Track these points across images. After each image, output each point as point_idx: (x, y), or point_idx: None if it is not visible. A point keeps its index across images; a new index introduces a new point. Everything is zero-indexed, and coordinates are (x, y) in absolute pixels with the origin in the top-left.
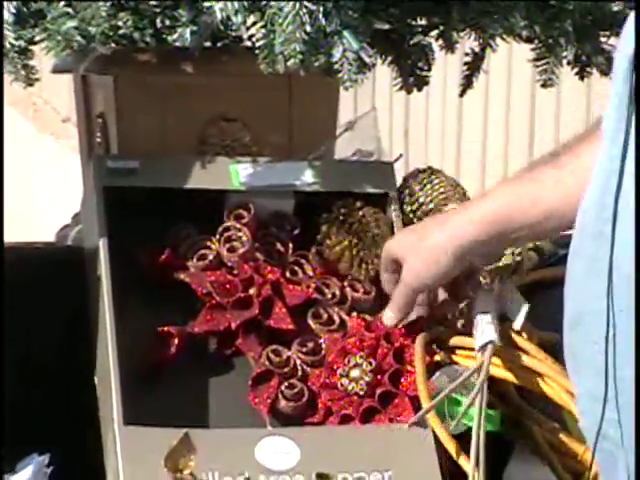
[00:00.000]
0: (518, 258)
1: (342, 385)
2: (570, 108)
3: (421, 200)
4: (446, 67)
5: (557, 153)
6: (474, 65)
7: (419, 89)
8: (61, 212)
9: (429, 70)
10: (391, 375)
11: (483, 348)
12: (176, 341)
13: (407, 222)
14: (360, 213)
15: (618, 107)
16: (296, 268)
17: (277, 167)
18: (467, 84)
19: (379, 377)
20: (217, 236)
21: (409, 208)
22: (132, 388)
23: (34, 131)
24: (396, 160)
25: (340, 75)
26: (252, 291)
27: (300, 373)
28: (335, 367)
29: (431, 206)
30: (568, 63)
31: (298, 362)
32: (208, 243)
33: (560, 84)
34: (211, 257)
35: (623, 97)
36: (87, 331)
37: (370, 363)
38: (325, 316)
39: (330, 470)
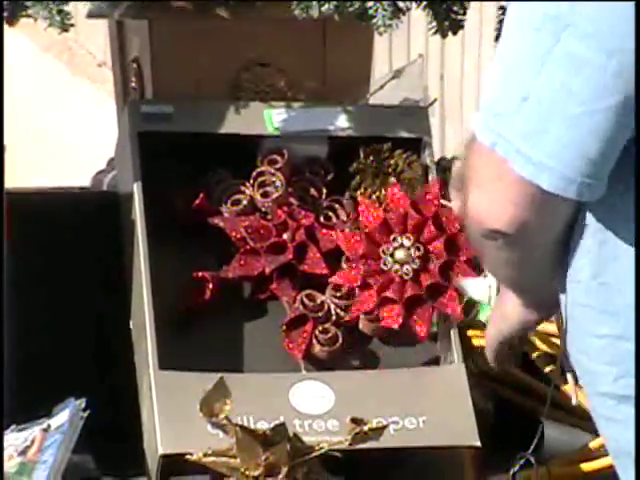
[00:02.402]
0: None
1: (385, 264)
2: None
3: None
4: (482, 10)
5: None
6: None
7: (454, 33)
8: (96, 157)
9: (464, 14)
10: (441, 266)
11: None
12: (210, 286)
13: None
14: (394, 158)
15: None
16: (330, 213)
17: (311, 112)
18: (502, 28)
19: (428, 265)
20: (251, 181)
21: None
22: (167, 333)
23: (69, 75)
24: (430, 104)
25: (374, 20)
26: (286, 236)
27: (334, 318)
28: (377, 242)
29: None
30: None
31: (332, 307)
32: (242, 188)
33: None
34: (245, 202)
35: None
36: (122, 276)
37: (418, 248)
38: None
39: (364, 414)
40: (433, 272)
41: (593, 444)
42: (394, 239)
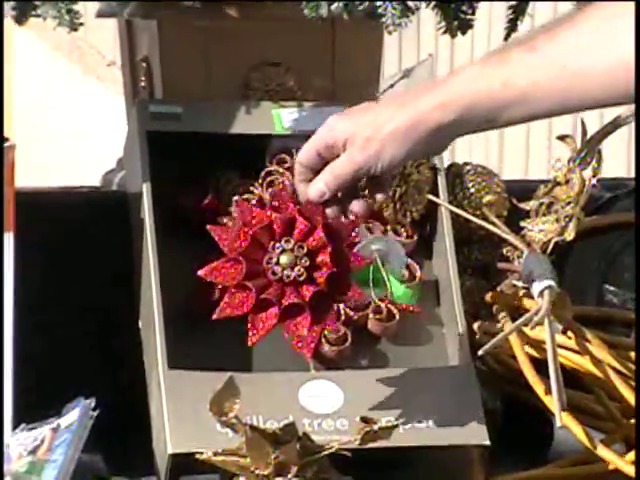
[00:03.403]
0: (563, 223)
1: (275, 274)
2: None
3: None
4: (491, 10)
5: (532, 34)
6: (519, 8)
7: (463, 33)
8: (106, 156)
9: (473, 13)
10: (328, 276)
11: (541, 293)
12: (219, 285)
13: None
14: None
15: None
16: None
17: (321, 112)
18: (512, 28)
19: (313, 274)
20: (260, 180)
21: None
22: (176, 332)
23: (79, 74)
24: None
25: (383, 19)
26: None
27: (343, 317)
28: (261, 243)
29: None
30: None
31: (341, 306)
32: (251, 188)
33: None
34: (253, 202)
35: None
36: (131, 275)
37: (306, 255)
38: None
39: (373, 414)
40: (319, 281)
41: (604, 442)
42: (279, 243)
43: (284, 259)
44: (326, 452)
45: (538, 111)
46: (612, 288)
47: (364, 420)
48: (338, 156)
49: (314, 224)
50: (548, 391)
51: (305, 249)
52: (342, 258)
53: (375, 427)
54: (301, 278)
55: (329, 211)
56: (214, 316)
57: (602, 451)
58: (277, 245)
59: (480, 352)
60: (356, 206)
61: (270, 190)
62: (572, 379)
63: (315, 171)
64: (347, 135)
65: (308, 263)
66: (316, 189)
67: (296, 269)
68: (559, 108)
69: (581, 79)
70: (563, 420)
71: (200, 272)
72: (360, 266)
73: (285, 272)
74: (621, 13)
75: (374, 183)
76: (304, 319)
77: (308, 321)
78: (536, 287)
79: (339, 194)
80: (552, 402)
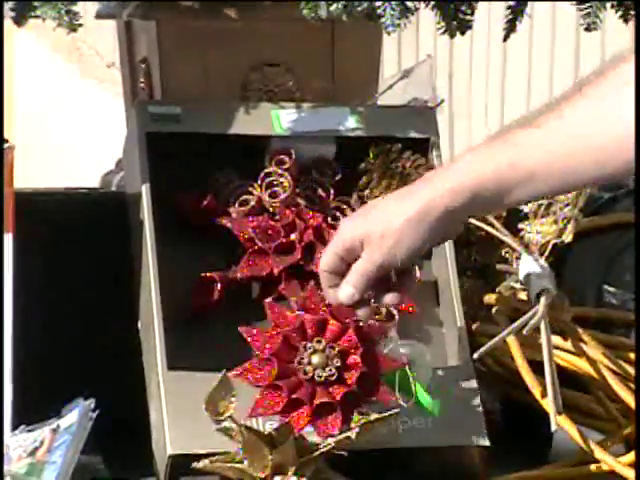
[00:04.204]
0: (561, 225)
1: (306, 373)
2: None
3: None
4: (490, 11)
5: (532, 115)
6: (518, 9)
7: (462, 33)
8: (105, 158)
9: (472, 14)
10: (358, 377)
11: (538, 297)
12: (219, 286)
13: None
14: (401, 159)
15: None
16: (338, 214)
17: (320, 112)
18: (511, 28)
19: (344, 374)
20: (259, 181)
21: None
22: (175, 333)
23: (78, 76)
24: (438, 105)
25: (383, 20)
26: (294, 236)
27: None
28: (292, 344)
29: None
30: (612, 6)
31: None
32: (250, 189)
33: (604, 27)
34: (253, 202)
35: None
36: (130, 277)
37: (337, 356)
38: None
39: (371, 412)
40: (349, 382)
41: (602, 444)
42: (311, 343)
43: (316, 359)
44: (323, 450)
45: (544, 189)
46: (611, 289)
47: (360, 412)
48: (359, 257)
49: (345, 325)
50: (545, 393)
51: (336, 350)
52: (373, 359)
53: (372, 418)
54: (332, 378)
55: (360, 313)
56: (247, 415)
57: (599, 453)
58: (309, 345)
59: (475, 356)
60: (388, 298)
61: (269, 191)
62: (572, 380)
63: (340, 275)
64: (362, 235)
65: (339, 363)
66: (345, 292)
67: (327, 369)
68: (564, 186)
69: (580, 157)
70: (559, 422)
71: (232, 374)
72: (390, 368)
73: (317, 372)
74: (610, 93)
75: (400, 272)
76: (335, 419)
77: (339, 421)
78: (533, 290)
79: (368, 294)
80: (547, 404)
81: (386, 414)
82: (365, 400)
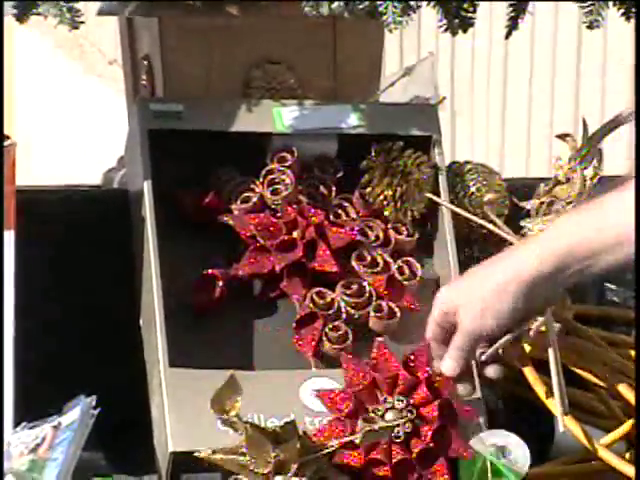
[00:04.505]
0: None
1: (374, 424)
2: (617, 49)
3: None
4: (492, 9)
5: (624, 177)
6: (519, 6)
7: (464, 31)
8: (107, 155)
9: (474, 12)
10: (434, 431)
11: None
12: (220, 283)
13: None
14: (403, 157)
15: None
16: (339, 211)
17: (322, 110)
18: (513, 26)
19: (420, 430)
20: (261, 179)
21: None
22: (177, 330)
23: (80, 73)
24: (439, 102)
25: (384, 17)
26: (296, 234)
27: (344, 315)
28: (365, 403)
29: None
30: (614, 4)
31: (342, 304)
32: (252, 186)
33: (607, 25)
34: (255, 200)
35: None
36: (132, 274)
37: (411, 411)
38: (369, 258)
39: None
40: (425, 437)
41: (604, 441)
42: (384, 400)
43: (390, 415)
44: (326, 451)
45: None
46: (613, 287)
47: (365, 419)
48: (456, 324)
49: (418, 379)
50: (549, 393)
51: (410, 404)
52: (448, 412)
53: (376, 426)
54: (407, 430)
55: (461, 389)
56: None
57: (602, 452)
58: (383, 399)
59: (483, 358)
60: (491, 371)
61: (271, 188)
62: (573, 378)
63: (445, 344)
64: (454, 304)
65: (414, 417)
66: (446, 366)
67: (402, 425)
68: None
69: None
70: (565, 423)
71: (314, 436)
72: (466, 418)
73: (393, 429)
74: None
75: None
76: (413, 477)
77: (417, 477)
78: None
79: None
80: (554, 405)
81: (390, 424)
82: (442, 455)
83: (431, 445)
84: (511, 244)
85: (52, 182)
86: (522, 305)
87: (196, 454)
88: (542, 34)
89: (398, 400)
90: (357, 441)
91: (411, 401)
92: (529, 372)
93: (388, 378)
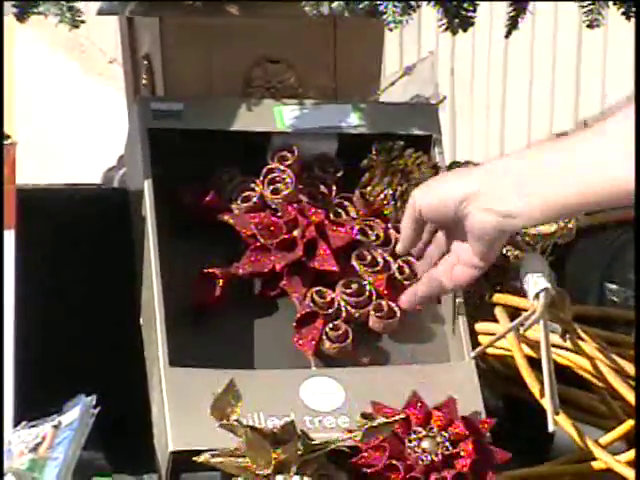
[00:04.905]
0: (562, 223)
1: (414, 452)
2: (617, 48)
3: None
4: (492, 8)
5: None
6: (520, 5)
7: (464, 30)
8: (107, 154)
9: (474, 11)
10: (471, 463)
11: (537, 296)
12: (221, 282)
13: None
14: (403, 156)
15: None
16: (340, 210)
17: (322, 109)
18: (513, 25)
19: (459, 448)
20: (261, 178)
21: None
22: (177, 329)
23: (80, 72)
24: (440, 102)
25: (385, 17)
26: (296, 233)
27: (344, 314)
28: (401, 438)
29: None
30: (614, 3)
31: (342, 303)
32: (252, 185)
33: (607, 24)
34: (255, 199)
35: None
36: (132, 273)
37: (443, 436)
38: (369, 258)
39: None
40: (460, 467)
41: (602, 441)
42: (419, 430)
43: (425, 444)
44: (326, 449)
45: None
46: (613, 286)
47: (365, 416)
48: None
49: (452, 417)
50: (544, 392)
51: (445, 436)
52: (482, 449)
53: (376, 423)
54: (446, 453)
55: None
56: None
57: (598, 451)
58: (417, 431)
59: (472, 354)
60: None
61: (271, 188)
62: (574, 378)
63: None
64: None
65: (449, 450)
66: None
67: (438, 451)
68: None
69: None
70: (557, 421)
71: (355, 461)
72: (500, 460)
73: (427, 455)
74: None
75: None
76: None
77: None
78: (531, 289)
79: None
80: (546, 404)
81: (391, 420)
82: None
83: (467, 474)
84: (511, 245)
85: (52, 181)
86: None
87: (195, 458)
88: (542, 33)
89: (433, 431)
90: (358, 438)
91: (446, 434)
92: (525, 371)
93: (422, 415)
